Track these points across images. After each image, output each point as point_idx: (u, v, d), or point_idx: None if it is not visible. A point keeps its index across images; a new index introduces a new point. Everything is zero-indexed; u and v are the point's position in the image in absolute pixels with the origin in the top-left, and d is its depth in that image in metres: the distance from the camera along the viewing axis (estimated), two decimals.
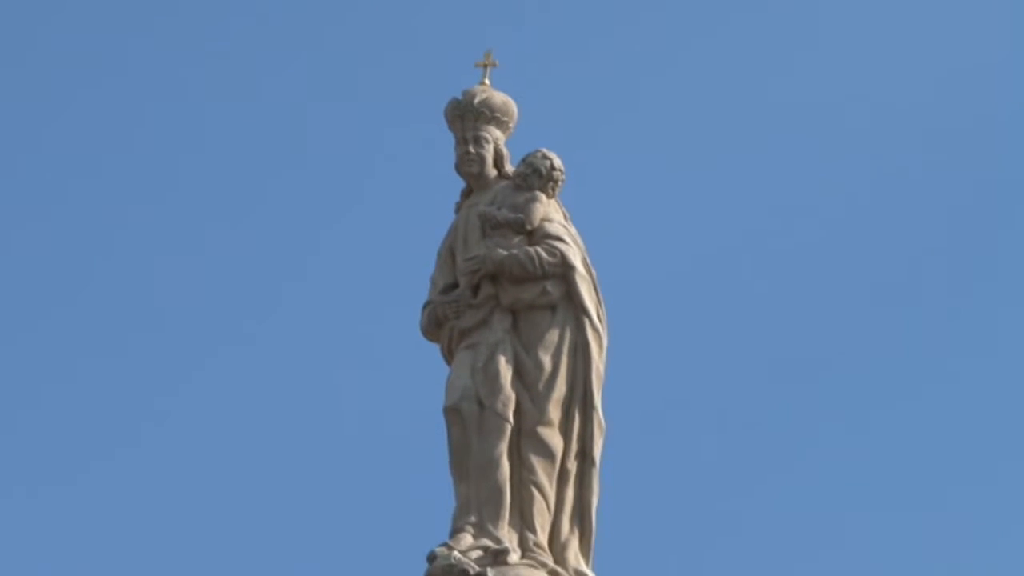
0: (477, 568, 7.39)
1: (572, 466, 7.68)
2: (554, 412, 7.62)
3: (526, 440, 7.58)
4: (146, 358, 23.33)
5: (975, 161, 26.11)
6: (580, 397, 7.74)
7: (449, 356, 8.06)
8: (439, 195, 8.74)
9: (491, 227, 7.95)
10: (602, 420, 7.80)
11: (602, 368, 7.84)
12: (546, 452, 7.58)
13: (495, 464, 7.49)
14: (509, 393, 7.60)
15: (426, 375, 8.22)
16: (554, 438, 7.56)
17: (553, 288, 7.84)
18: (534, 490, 7.54)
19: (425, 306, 8.17)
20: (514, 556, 7.45)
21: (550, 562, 7.52)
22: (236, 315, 23.38)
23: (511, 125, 8.36)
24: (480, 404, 7.61)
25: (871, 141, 26.11)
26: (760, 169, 25.19)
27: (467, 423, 7.55)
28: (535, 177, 8.05)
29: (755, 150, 26.50)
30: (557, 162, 8.10)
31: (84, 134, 26.75)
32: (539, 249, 7.81)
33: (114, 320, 25.26)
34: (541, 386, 7.65)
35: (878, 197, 26.36)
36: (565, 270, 7.80)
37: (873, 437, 24.36)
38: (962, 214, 25.88)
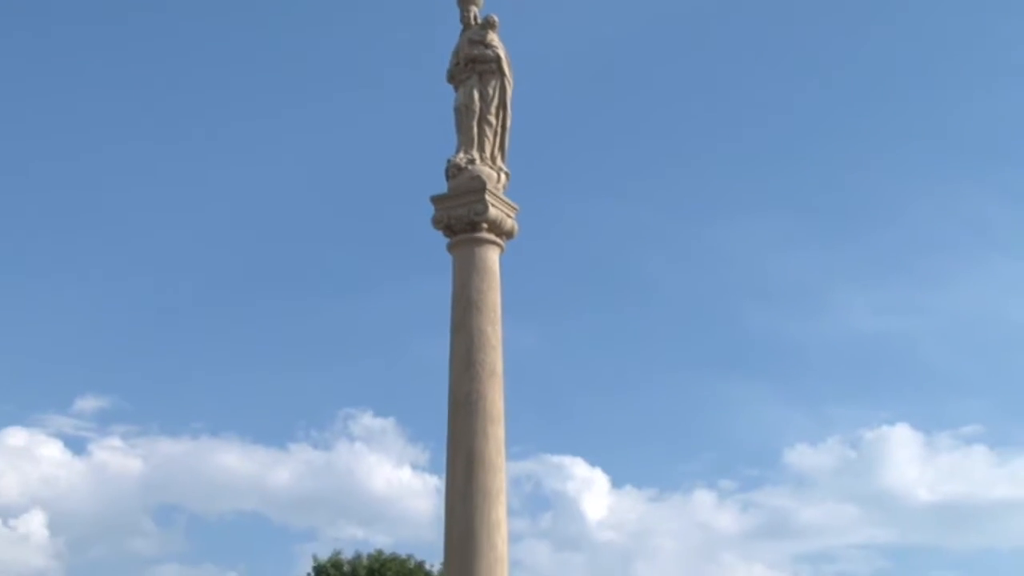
0: (464, 164, 18.84)
1: (495, 122, 19.02)
2: (493, 108, 18.97)
3: (481, 121, 18.94)
4: None
5: None
6: (503, 105, 19.18)
7: (455, 89, 19.29)
8: (452, 32, 20.16)
9: (471, 42, 19.27)
10: (510, 116, 19.27)
11: (511, 93, 19.23)
12: (492, 127, 19.14)
13: (472, 128, 19.22)
14: (476, 104, 18.93)
15: (445, 97, 19.60)
16: (494, 116, 19.11)
17: (494, 63, 19.14)
18: (485, 138, 19.18)
19: (447, 71, 19.47)
20: (477, 161, 18.83)
21: (491, 163, 19.00)
22: None
23: (481, 5, 19.54)
24: (467, 108, 19.02)
25: None
26: None
27: (460, 113, 19.04)
28: (488, 25, 19.33)
29: None
30: (496, 19, 19.26)
31: None
32: (488, 51, 19.11)
33: None
34: (488, 99, 19.00)
35: None
36: (498, 58, 19.16)
37: None
38: None
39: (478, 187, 18.69)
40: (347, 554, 78.70)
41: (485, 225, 18.67)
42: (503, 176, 19.27)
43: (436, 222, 18.99)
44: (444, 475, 17.72)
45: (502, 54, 19.45)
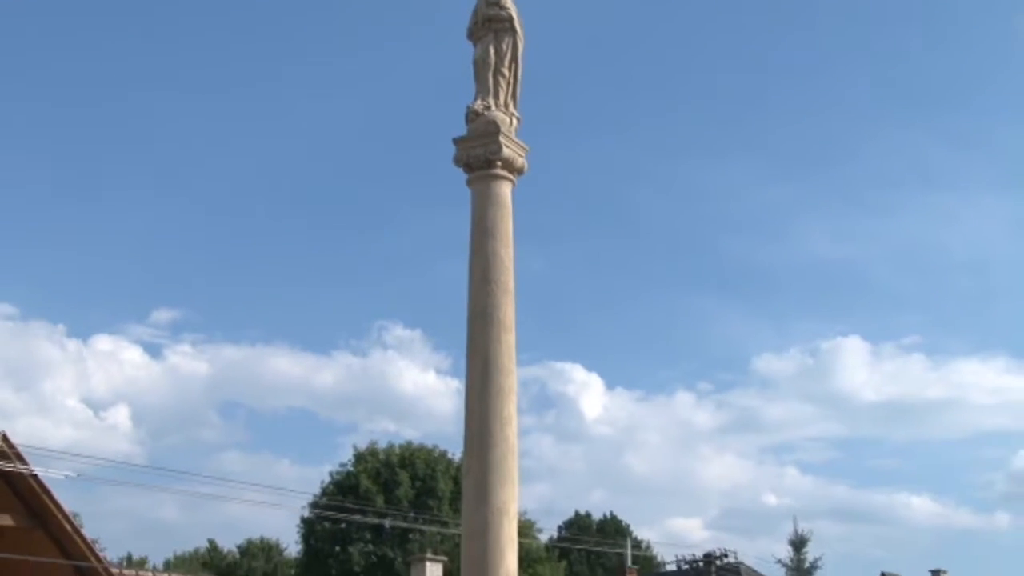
0: (481, 110, 21.32)
1: (508, 74, 21.45)
2: (506, 61, 21.11)
3: (496, 73, 21.33)
4: None
5: None
6: (515, 59, 21.37)
7: (474, 45, 21.50)
8: None
9: (487, 3, 21.44)
10: (521, 68, 21.50)
11: (522, 48, 21.39)
12: (505, 78, 22.07)
13: (488, 79, 21.69)
14: (492, 58, 21.25)
15: (466, 53, 21.67)
16: (507, 69, 21.21)
17: (507, 22, 21.30)
18: (499, 88, 22.38)
19: (467, 29, 21.62)
20: (492, 107, 21.06)
21: (505, 109, 21.84)
22: None
23: None
24: (484, 61, 21.30)
25: None
26: None
27: (478, 66, 21.29)
28: None
29: None
30: None
31: None
32: (502, 12, 21.21)
33: None
34: (502, 54, 21.14)
35: None
36: (511, 18, 21.29)
37: None
38: None
39: (493, 130, 20.76)
40: (382, 444, 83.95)
41: (499, 163, 20.70)
42: (515, 121, 21.38)
43: (457, 160, 21.10)
44: (463, 378, 19.82)
45: (514, 14, 21.59)
